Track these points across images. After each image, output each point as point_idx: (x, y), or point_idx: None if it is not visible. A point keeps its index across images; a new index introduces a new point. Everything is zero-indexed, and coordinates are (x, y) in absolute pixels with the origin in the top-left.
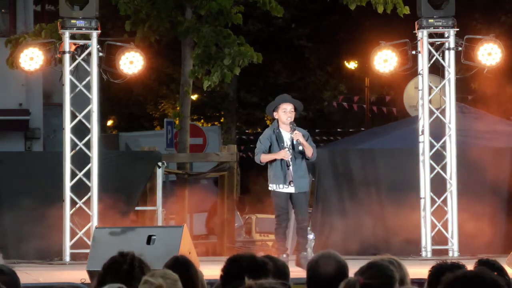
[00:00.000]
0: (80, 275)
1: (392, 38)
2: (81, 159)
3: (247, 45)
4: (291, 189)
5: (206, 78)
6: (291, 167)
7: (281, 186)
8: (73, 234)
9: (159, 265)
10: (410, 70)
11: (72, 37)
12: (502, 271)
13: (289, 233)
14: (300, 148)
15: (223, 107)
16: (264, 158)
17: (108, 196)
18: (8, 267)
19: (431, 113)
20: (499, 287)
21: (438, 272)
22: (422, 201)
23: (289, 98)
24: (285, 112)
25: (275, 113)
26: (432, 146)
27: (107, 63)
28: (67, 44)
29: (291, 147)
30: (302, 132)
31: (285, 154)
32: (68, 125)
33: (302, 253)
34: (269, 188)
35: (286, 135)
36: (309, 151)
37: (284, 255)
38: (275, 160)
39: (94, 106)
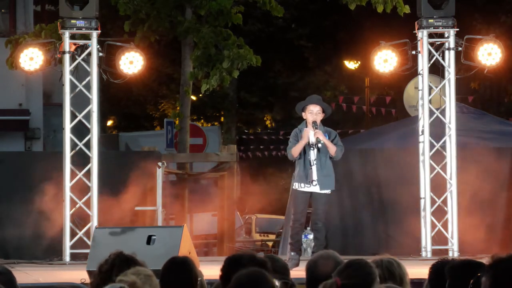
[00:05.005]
0: (80, 275)
1: (392, 38)
2: (81, 159)
3: (247, 47)
4: (313, 188)
5: (204, 82)
6: (314, 166)
7: (302, 185)
8: (73, 234)
9: (159, 265)
10: (410, 70)
11: (72, 37)
12: None
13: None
14: (320, 145)
15: (223, 107)
16: (295, 150)
17: (108, 196)
18: (4, 266)
19: (431, 113)
20: None
21: (439, 269)
22: (422, 201)
23: (317, 100)
24: (311, 114)
25: (303, 114)
26: (432, 146)
27: (107, 63)
28: (67, 44)
29: (315, 146)
30: (329, 131)
31: (318, 133)
32: (68, 125)
33: None
34: (292, 187)
35: (312, 135)
36: (332, 149)
37: (293, 253)
38: (300, 158)
39: (94, 106)
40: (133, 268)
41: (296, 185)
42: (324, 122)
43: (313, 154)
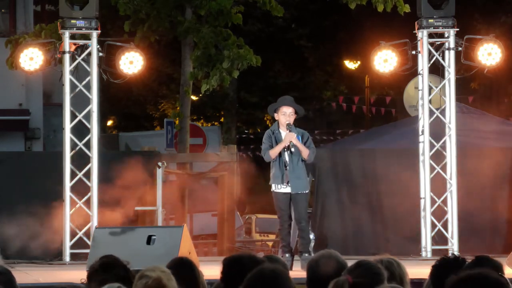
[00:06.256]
0: (80, 275)
1: (392, 38)
2: (81, 159)
3: (246, 47)
4: (289, 189)
5: (204, 82)
6: (288, 168)
7: (279, 186)
8: (73, 234)
9: (159, 265)
10: (410, 70)
11: (72, 37)
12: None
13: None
14: (293, 149)
15: (223, 107)
16: (272, 152)
17: (108, 196)
18: (4, 266)
19: (431, 113)
20: (503, 286)
21: (441, 267)
22: (422, 201)
23: (290, 101)
24: (284, 115)
25: (275, 115)
26: (432, 146)
27: (107, 63)
28: (67, 44)
29: (288, 148)
30: (301, 132)
31: (291, 137)
32: (68, 125)
33: (303, 255)
34: (271, 189)
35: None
36: (305, 152)
37: (287, 255)
38: (275, 160)
39: (94, 106)
40: (155, 265)
41: (274, 187)
42: (325, 122)
43: (287, 155)
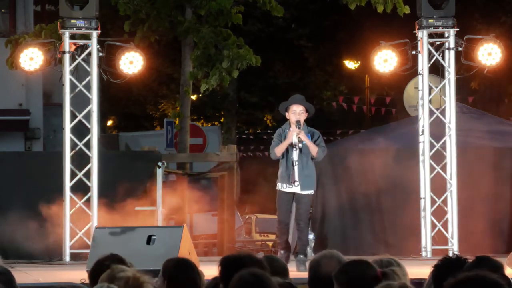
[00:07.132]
0: (80, 275)
1: (392, 38)
2: (81, 159)
3: (246, 47)
4: (294, 189)
5: (204, 81)
6: (296, 167)
7: (284, 185)
8: (73, 234)
9: (159, 265)
10: (410, 70)
11: (72, 37)
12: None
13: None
14: (300, 145)
15: (223, 107)
16: (278, 149)
17: (108, 196)
18: (4, 266)
19: (431, 113)
20: (501, 287)
21: (443, 267)
22: (422, 201)
23: (300, 100)
24: (294, 114)
25: (286, 114)
26: (432, 146)
27: (107, 63)
28: (67, 44)
29: (297, 147)
30: (312, 131)
31: (297, 131)
32: (68, 125)
33: (298, 256)
34: (276, 188)
35: (294, 135)
36: (313, 149)
37: (282, 251)
38: (282, 158)
39: (94, 106)
40: (118, 267)
41: (279, 186)
42: (325, 122)
43: (295, 154)
